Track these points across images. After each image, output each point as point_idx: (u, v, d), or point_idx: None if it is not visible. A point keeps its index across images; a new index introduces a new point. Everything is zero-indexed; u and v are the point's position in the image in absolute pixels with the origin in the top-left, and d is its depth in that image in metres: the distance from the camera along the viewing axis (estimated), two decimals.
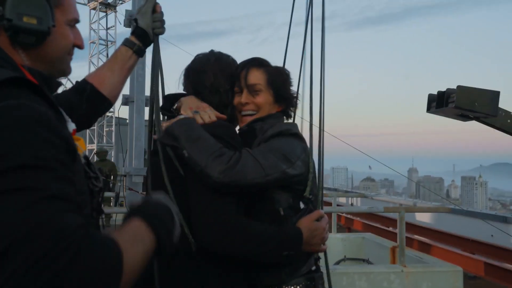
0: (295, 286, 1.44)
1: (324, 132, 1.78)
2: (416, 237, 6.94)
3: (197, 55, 1.61)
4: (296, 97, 1.64)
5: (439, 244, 6.38)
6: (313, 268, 1.51)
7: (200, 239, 1.31)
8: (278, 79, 1.57)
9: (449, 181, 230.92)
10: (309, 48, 1.80)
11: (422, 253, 4.53)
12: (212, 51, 1.60)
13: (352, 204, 9.57)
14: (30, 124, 0.77)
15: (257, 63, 1.58)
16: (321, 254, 1.61)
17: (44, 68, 0.99)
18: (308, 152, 1.53)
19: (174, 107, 1.55)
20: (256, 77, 1.55)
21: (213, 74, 1.52)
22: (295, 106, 1.64)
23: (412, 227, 7.51)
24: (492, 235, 6.02)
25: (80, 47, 1.06)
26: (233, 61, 1.62)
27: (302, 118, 1.76)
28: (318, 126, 1.74)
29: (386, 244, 4.49)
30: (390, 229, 7.35)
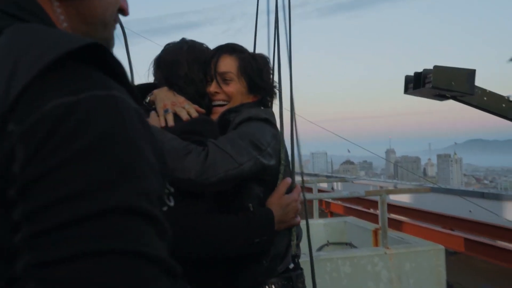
0: (271, 286, 1.35)
1: (303, 119, 1.70)
2: (397, 217, 7.02)
3: (168, 45, 1.50)
4: (274, 86, 1.53)
5: (419, 223, 6.47)
6: (291, 266, 1.41)
7: None
8: (252, 67, 1.46)
9: (425, 160, 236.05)
10: (281, 31, 1.70)
11: (404, 233, 4.58)
12: (183, 39, 1.49)
13: (333, 189, 9.62)
14: (132, 136, 0.47)
15: (229, 49, 1.48)
16: (304, 246, 1.55)
17: (83, 32, 0.64)
18: (279, 139, 1.42)
19: (147, 100, 1.43)
20: (227, 64, 1.45)
21: (187, 64, 1.42)
22: (272, 95, 1.54)
23: (392, 208, 7.61)
24: (470, 211, 6.14)
25: (125, 12, 0.77)
26: (207, 49, 1.51)
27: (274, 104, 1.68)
28: (290, 110, 1.64)
29: (368, 227, 4.52)
30: (371, 211, 7.43)
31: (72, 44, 0.47)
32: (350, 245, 4.59)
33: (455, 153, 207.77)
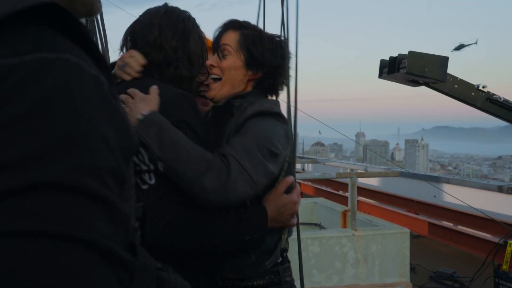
0: (258, 281, 1.33)
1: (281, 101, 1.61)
2: (365, 199, 7.18)
3: (148, 9, 1.39)
4: (277, 66, 1.41)
5: (387, 206, 6.65)
6: (279, 260, 1.38)
7: (147, 233, 1.11)
8: (254, 41, 1.37)
9: (393, 144, 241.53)
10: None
11: (372, 216, 4.68)
12: (165, 4, 1.38)
13: (304, 170, 9.72)
14: (80, 104, 0.42)
15: (236, 24, 1.40)
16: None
17: (68, 3, 0.53)
18: (288, 135, 1.36)
19: (113, 71, 1.32)
20: (228, 38, 1.38)
21: (158, 28, 1.31)
22: (279, 75, 1.42)
23: (361, 190, 7.77)
24: (435, 196, 6.34)
25: None
26: (189, 18, 1.38)
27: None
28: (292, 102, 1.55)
29: (337, 208, 4.59)
30: (341, 193, 7.57)
31: (23, 3, 0.42)
32: (319, 225, 4.67)
33: (422, 139, 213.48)
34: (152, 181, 0.98)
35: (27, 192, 0.37)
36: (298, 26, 1.49)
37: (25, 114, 0.39)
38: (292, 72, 1.46)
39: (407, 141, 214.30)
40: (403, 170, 8.73)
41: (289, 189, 1.34)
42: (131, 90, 1.20)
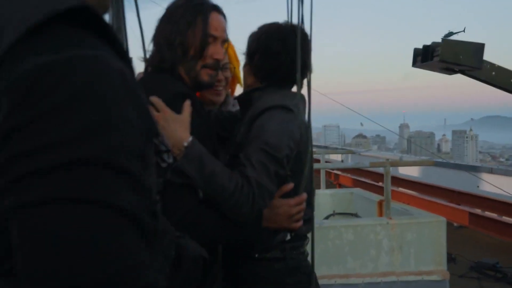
0: (263, 254, 1.46)
1: (315, 91, 1.59)
2: (406, 190, 7.10)
3: None
4: (268, 45, 1.47)
5: (426, 196, 6.55)
6: (287, 238, 1.49)
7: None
8: (258, 47, 1.49)
9: (440, 136, 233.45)
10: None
11: (409, 205, 4.65)
12: None
13: (342, 161, 9.69)
14: (110, 94, 0.50)
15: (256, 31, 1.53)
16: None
17: None
18: (302, 128, 1.44)
19: None
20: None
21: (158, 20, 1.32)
22: (270, 55, 1.47)
23: (402, 182, 7.67)
24: (478, 186, 6.18)
25: None
26: (180, 5, 1.31)
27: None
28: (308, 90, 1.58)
29: (373, 198, 4.59)
30: (380, 184, 7.51)
31: (58, 6, 0.50)
32: (355, 215, 4.69)
33: (470, 129, 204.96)
34: (170, 160, 1.09)
35: (70, 166, 0.46)
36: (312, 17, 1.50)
37: (66, 103, 0.47)
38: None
39: (454, 132, 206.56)
40: (445, 160, 8.51)
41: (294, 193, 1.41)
42: (155, 101, 1.21)
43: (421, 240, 3.55)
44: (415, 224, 3.57)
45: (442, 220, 3.62)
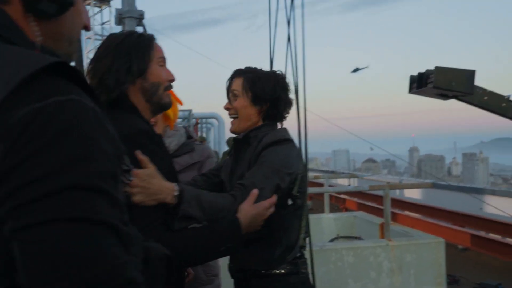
0: (280, 270, 1.63)
1: (323, 119, 1.91)
2: (409, 213, 7.14)
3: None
4: (279, 97, 1.69)
5: (430, 219, 6.59)
6: (298, 255, 1.69)
7: None
8: (254, 82, 1.67)
9: (450, 159, 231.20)
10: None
11: (410, 227, 4.72)
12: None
13: (349, 185, 9.76)
14: (86, 130, 0.62)
15: (241, 72, 1.72)
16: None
17: (52, 46, 0.78)
18: (300, 154, 1.68)
19: None
20: (234, 84, 1.70)
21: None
22: (280, 104, 1.69)
23: (406, 205, 7.72)
24: (481, 208, 6.22)
25: (87, 28, 0.88)
26: (118, 35, 1.37)
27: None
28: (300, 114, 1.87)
29: (376, 221, 4.68)
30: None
31: (41, 63, 0.63)
32: (358, 238, 4.77)
33: (481, 152, 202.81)
34: (131, 178, 1.18)
35: (59, 192, 0.58)
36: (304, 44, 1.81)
37: (52, 141, 0.59)
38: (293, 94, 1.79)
39: (464, 155, 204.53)
40: (442, 182, 8.56)
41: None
42: (140, 157, 1.23)
43: (421, 261, 3.63)
44: (414, 245, 3.65)
45: (441, 241, 3.69)
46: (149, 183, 1.22)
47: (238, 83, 1.70)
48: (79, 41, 0.90)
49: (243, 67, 1.75)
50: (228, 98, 1.73)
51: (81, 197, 0.59)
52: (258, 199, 1.43)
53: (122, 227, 0.64)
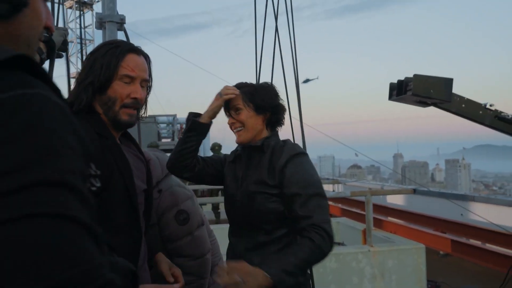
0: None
1: (309, 126, 1.98)
2: (392, 219, 7.21)
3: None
4: (277, 104, 1.82)
5: (412, 225, 6.66)
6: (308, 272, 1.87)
7: None
8: (252, 94, 1.78)
9: (433, 165, 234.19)
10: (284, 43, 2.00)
11: (392, 233, 4.78)
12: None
13: (333, 190, 9.82)
14: (53, 125, 0.59)
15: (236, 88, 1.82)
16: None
17: None
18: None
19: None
20: (234, 100, 1.79)
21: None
22: (280, 111, 1.83)
23: (389, 210, 7.80)
24: (461, 214, 6.31)
25: (51, 29, 0.82)
26: (97, 48, 1.43)
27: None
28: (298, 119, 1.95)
29: (358, 227, 4.72)
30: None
31: (4, 55, 0.60)
32: (341, 244, 4.80)
33: (463, 158, 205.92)
34: (98, 184, 1.17)
35: (27, 188, 0.54)
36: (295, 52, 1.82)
37: (18, 135, 0.55)
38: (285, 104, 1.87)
39: (447, 161, 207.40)
40: (423, 188, 8.68)
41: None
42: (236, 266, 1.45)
43: (402, 267, 3.67)
44: (396, 251, 3.70)
45: (422, 247, 3.74)
46: (253, 282, 1.42)
47: (237, 98, 1.79)
48: (65, 44, 0.85)
49: (229, 74, 1.85)
50: (228, 114, 1.82)
51: (53, 193, 0.55)
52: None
53: (97, 228, 0.60)
